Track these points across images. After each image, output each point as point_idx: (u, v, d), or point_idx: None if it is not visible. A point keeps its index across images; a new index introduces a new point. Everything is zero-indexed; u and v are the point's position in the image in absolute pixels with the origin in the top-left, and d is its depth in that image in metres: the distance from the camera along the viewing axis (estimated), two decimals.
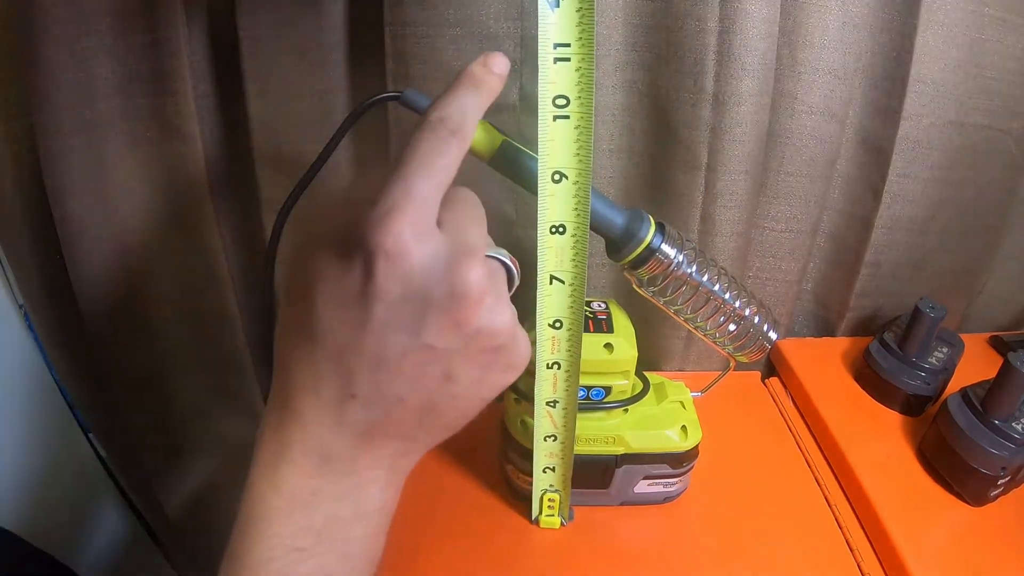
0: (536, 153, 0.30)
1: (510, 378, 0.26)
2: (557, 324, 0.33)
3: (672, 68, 0.48)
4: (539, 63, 0.28)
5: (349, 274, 0.23)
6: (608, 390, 0.41)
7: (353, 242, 0.22)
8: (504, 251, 0.27)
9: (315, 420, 0.24)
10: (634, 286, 0.38)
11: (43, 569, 0.61)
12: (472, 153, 0.30)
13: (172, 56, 0.49)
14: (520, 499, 0.45)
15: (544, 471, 0.41)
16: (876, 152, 0.54)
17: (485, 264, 0.24)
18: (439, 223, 0.24)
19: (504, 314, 0.24)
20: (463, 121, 0.24)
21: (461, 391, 0.25)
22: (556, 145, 0.29)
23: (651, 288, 0.38)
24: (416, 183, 0.22)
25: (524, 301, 0.30)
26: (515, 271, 0.27)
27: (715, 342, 0.41)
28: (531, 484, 0.42)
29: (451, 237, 0.24)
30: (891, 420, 0.52)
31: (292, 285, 0.25)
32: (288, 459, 0.24)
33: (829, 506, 0.47)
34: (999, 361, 0.44)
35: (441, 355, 0.23)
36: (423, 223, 0.22)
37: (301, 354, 0.24)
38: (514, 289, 0.27)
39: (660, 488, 0.45)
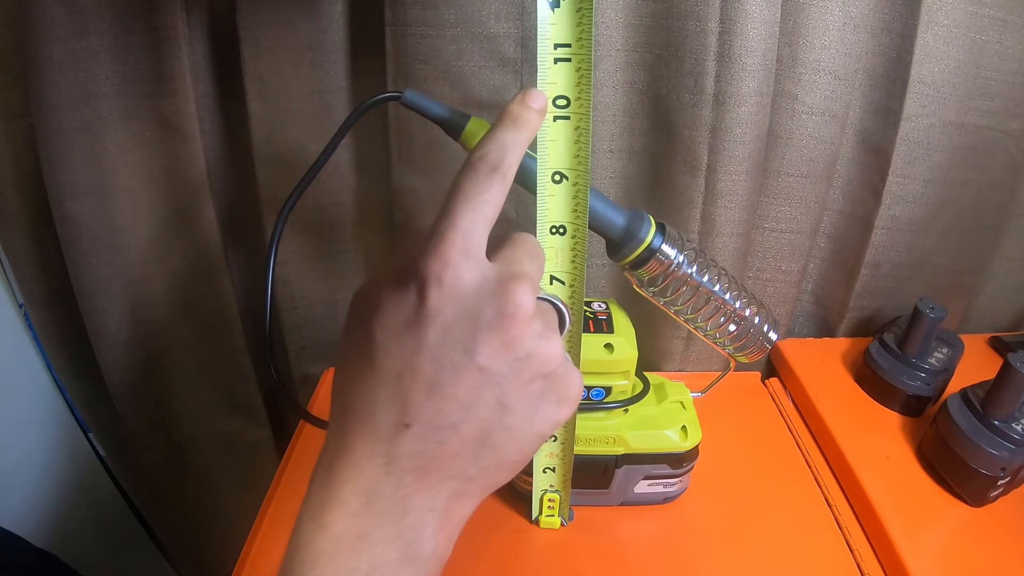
0: (535, 153, 0.30)
1: (563, 413, 0.26)
2: None
3: (672, 68, 0.48)
4: (539, 63, 0.28)
5: (404, 301, 0.24)
6: (608, 390, 0.41)
7: (407, 272, 0.24)
8: (557, 296, 0.28)
9: (368, 454, 0.24)
10: (634, 286, 0.38)
11: (45, 569, 0.61)
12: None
13: (172, 56, 0.49)
14: (520, 499, 0.45)
15: (544, 471, 0.41)
16: (876, 153, 0.54)
17: (534, 289, 0.25)
18: (495, 258, 0.25)
19: (554, 343, 0.25)
20: (502, 156, 0.25)
21: (515, 422, 0.25)
22: (556, 146, 0.30)
23: (651, 288, 0.38)
24: (460, 216, 0.24)
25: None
26: (567, 314, 0.28)
27: (715, 342, 0.41)
28: (531, 484, 0.42)
29: (502, 266, 0.25)
30: (891, 420, 0.52)
31: (352, 319, 0.26)
32: (338, 499, 0.23)
33: (829, 506, 0.47)
34: (999, 362, 0.44)
35: (494, 378, 0.24)
36: (470, 251, 0.24)
37: (357, 383, 0.25)
38: (565, 332, 0.28)
39: (660, 488, 0.45)
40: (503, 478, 0.26)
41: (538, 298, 0.27)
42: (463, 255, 0.24)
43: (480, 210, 0.24)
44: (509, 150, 0.26)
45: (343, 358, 0.26)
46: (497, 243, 0.26)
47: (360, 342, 0.25)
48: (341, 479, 0.24)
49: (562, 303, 0.28)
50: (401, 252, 0.27)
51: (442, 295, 0.23)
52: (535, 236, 0.29)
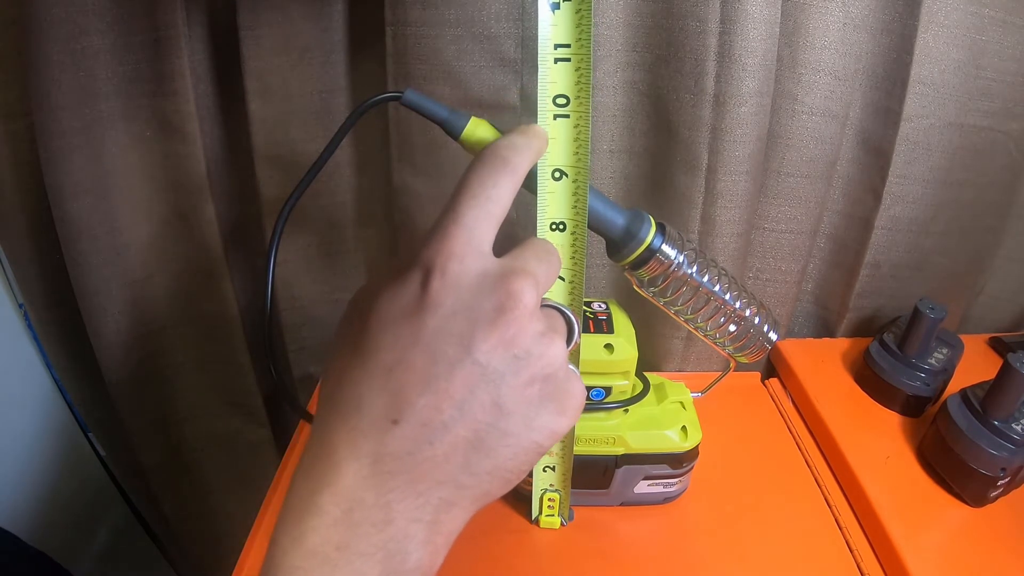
0: None
1: (562, 424, 0.25)
2: None
3: (672, 69, 0.48)
4: (540, 63, 0.29)
5: (405, 291, 0.24)
6: (608, 390, 0.41)
7: (409, 264, 0.24)
8: (568, 307, 0.28)
9: (350, 454, 0.22)
10: (634, 286, 0.38)
11: (40, 571, 0.61)
12: (472, 152, 0.30)
13: (172, 56, 0.49)
14: (520, 499, 0.45)
15: (544, 471, 0.41)
16: (876, 153, 0.54)
17: (536, 286, 0.24)
18: (503, 257, 0.25)
19: (556, 346, 0.24)
20: (511, 154, 0.26)
21: (510, 427, 0.23)
22: (556, 143, 0.30)
23: (651, 289, 0.38)
24: (464, 210, 0.24)
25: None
26: (576, 326, 0.27)
27: (715, 343, 0.41)
28: (531, 484, 0.42)
29: (505, 262, 0.25)
30: (891, 420, 0.52)
31: (347, 314, 0.26)
32: (315, 508, 0.22)
33: (829, 506, 0.47)
34: (999, 362, 0.44)
35: (490, 376, 0.23)
36: (474, 244, 0.24)
37: (345, 377, 0.24)
38: (572, 345, 0.27)
39: (660, 488, 0.45)
40: (496, 489, 0.24)
41: (547, 305, 0.27)
42: (466, 248, 0.23)
43: (484, 205, 0.24)
44: (518, 148, 0.26)
45: (333, 353, 0.25)
46: (509, 246, 0.26)
47: (354, 335, 0.24)
48: (320, 484, 0.22)
49: (573, 314, 0.27)
50: (403, 252, 0.27)
51: (444, 286, 0.23)
52: (543, 238, 0.29)
